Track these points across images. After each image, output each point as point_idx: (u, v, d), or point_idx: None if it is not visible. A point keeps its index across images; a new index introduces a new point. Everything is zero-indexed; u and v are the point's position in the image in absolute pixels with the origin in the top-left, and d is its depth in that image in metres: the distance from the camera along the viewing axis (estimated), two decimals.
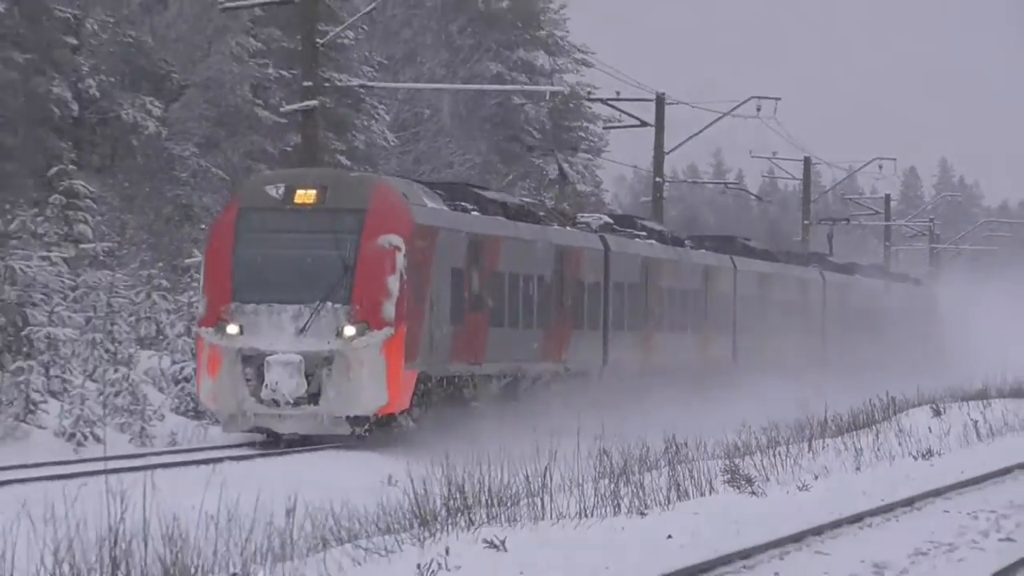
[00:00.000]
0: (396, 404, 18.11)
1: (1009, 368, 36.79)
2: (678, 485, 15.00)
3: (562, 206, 30.19)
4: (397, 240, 18.20)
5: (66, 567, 6.20)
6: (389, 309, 17.90)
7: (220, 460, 16.83)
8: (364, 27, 36.90)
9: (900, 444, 22.27)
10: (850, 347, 39.56)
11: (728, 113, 41.16)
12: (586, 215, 30.25)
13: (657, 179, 39.56)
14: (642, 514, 12.94)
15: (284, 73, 32.30)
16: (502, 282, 22.49)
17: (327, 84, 29.05)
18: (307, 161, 25.05)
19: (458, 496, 11.36)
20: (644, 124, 39.26)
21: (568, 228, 26.85)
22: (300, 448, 19.19)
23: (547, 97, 45.74)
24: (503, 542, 9.65)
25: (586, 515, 12.36)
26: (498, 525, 10.79)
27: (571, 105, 50.00)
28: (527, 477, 12.92)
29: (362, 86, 34.76)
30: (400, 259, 18.13)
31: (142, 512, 7.07)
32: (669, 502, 13.92)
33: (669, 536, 11.22)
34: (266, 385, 17.38)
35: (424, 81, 41.71)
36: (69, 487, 11.64)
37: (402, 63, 43.71)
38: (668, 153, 39.84)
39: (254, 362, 17.71)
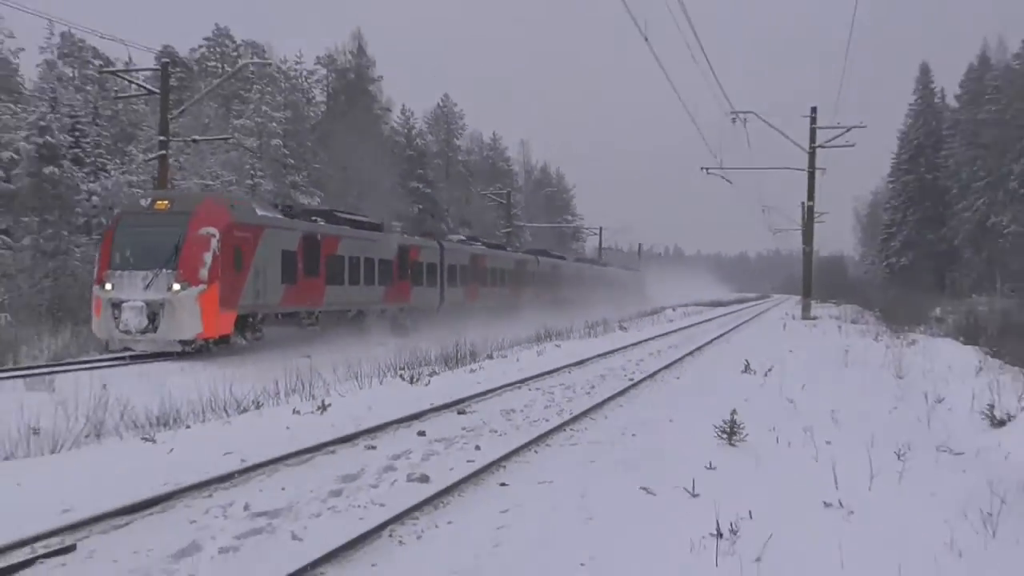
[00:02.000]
0: (211, 332, 23.58)
1: (677, 302, 75.23)
2: (540, 341, 29.87)
3: (438, 228, 55.06)
4: (213, 231, 23.65)
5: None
6: (203, 273, 23.22)
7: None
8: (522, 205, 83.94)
9: (624, 327, 39.24)
10: (572, 297, 57.98)
11: None
12: (453, 236, 49.02)
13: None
14: (540, 354, 25.52)
15: (500, 220, 76.27)
16: (342, 260, 30.24)
17: (515, 225, 76.96)
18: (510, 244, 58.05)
19: (463, 351, 23.42)
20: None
21: (416, 237, 38.88)
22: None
23: (570, 228, 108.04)
24: (480, 367, 21.51)
25: (512, 353, 25.31)
26: (476, 362, 22.66)
27: (576, 232, 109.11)
28: (491, 344, 26.07)
29: (518, 225, 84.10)
30: (215, 243, 23.56)
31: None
32: (542, 349, 26.96)
33: (539, 354, 25.01)
34: (122, 321, 23.12)
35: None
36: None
37: (527, 217, 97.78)
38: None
39: (118, 307, 23.30)
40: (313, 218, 30.15)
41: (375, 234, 33.21)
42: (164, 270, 23.15)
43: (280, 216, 27.91)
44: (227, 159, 55.24)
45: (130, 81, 37.26)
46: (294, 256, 27.22)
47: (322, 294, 29.02)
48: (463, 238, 47.36)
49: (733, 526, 6.98)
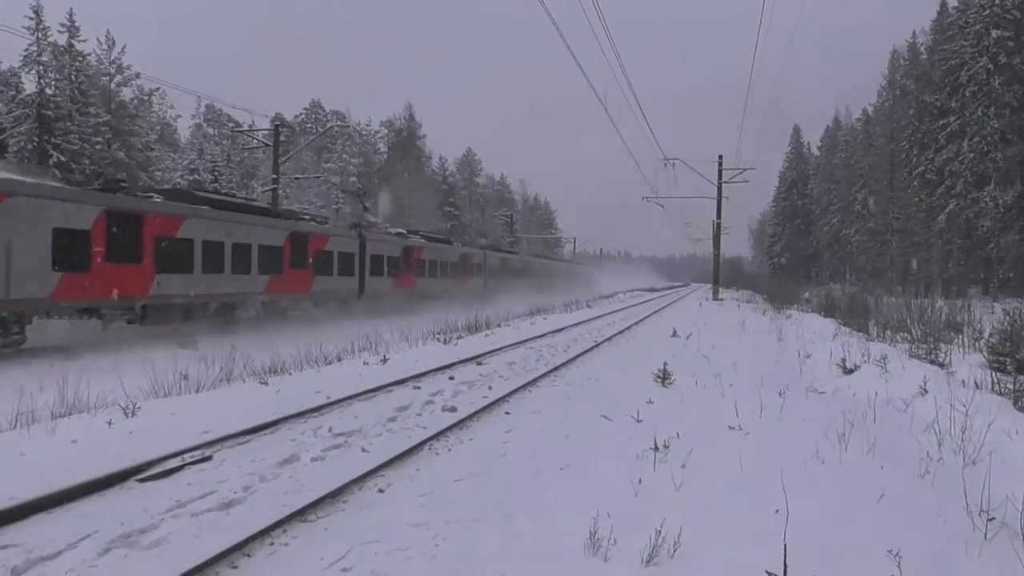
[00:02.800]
0: None
1: (627, 288, 68.42)
2: (532, 315, 27.11)
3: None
4: None
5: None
6: None
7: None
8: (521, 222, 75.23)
9: (590, 306, 36.35)
10: (522, 287, 45.49)
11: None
12: (392, 229, 32.34)
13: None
14: (533, 324, 23.41)
15: (505, 233, 74.64)
16: (189, 243, 18.42)
17: (515, 236, 69.91)
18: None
19: (480, 322, 22.36)
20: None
21: (326, 225, 25.47)
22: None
23: (554, 239, 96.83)
24: (492, 332, 19.98)
25: (513, 323, 23.57)
26: (489, 329, 21.23)
27: (558, 241, 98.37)
28: (500, 318, 24.38)
29: (518, 236, 78.07)
30: None
31: None
32: (534, 321, 24.92)
33: (532, 324, 22.96)
34: None
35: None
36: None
37: (524, 231, 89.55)
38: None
39: None
40: (149, 195, 18.33)
41: (251, 217, 20.89)
42: None
43: (56, 184, 15.54)
44: (319, 191, 56.05)
45: (252, 137, 37.03)
46: (83, 236, 15.54)
47: (146, 283, 17.32)
48: (402, 231, 32.15)
49: (666, 442, 6.88)
